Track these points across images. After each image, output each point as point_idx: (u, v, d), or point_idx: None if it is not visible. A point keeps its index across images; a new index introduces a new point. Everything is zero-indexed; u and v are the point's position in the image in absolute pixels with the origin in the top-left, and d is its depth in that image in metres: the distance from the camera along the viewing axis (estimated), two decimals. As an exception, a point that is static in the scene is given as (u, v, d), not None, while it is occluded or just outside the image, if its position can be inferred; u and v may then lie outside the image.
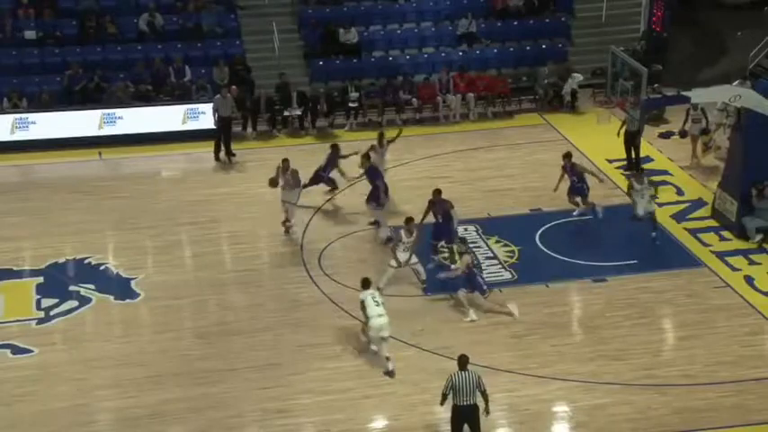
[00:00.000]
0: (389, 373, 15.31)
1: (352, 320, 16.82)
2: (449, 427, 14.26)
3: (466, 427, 13.51)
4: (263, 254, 19.22)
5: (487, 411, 13.40)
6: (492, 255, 18.79)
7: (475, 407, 13.32)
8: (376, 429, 14.69)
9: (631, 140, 21.83)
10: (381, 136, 20.69)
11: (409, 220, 17.53)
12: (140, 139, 23.87)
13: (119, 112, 24.10)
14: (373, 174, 19.44)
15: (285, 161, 19.52)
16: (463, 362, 13.38)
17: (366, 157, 19.70)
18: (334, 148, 20.82)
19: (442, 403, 13.55)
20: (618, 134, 21.90)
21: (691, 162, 22.48)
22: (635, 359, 15.73)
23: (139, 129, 24.01)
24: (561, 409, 14.73)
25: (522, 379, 15.12)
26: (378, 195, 19.18)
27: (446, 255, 18.11)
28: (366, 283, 15.63)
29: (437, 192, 18.22)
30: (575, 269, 18.22)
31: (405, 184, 21.28)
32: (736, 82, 22.60)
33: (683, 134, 22.95)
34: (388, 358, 15.38)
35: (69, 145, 23.63)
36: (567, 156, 19.60)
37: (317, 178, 20.56)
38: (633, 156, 21.89)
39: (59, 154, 23.38)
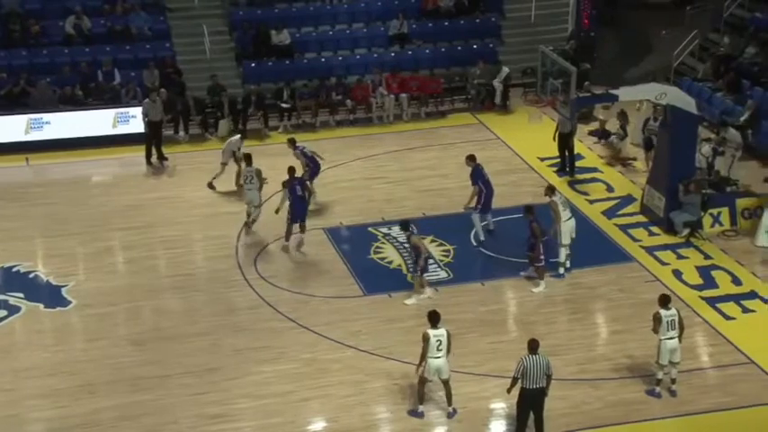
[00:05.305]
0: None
1: (290, 323, 16.76)
2: (389, 428, 14.32)
3: None
4: (198, 258, 19.02)
5: (546, 393, 13.59)
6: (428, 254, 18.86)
7: (542, 391, 13.51)
8: (315, 432, 14.68)
9: (565, 142, 22.14)
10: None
11: None
12: (69, 144, 23.43)
13: (46, 116, 23.60)
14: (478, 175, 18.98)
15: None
16: (533, 346, 13.49)
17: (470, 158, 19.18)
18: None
19: (509, 390, 13.67)
20: (554, 138, 22.15)
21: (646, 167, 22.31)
22: (569, 354, 15.94)
23: (68, 133, 23.55)
24: (498, 405, 14.80)
25: (459, 377, 15.16)
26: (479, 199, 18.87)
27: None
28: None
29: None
30: (509, 266, 18.41)
31: (340, 185, 21.26)
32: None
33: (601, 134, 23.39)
34: None
35: (-5, 151, 23.11)
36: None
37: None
38: (567, 156, 22.20)
39: (-16, 160, 22.87)
